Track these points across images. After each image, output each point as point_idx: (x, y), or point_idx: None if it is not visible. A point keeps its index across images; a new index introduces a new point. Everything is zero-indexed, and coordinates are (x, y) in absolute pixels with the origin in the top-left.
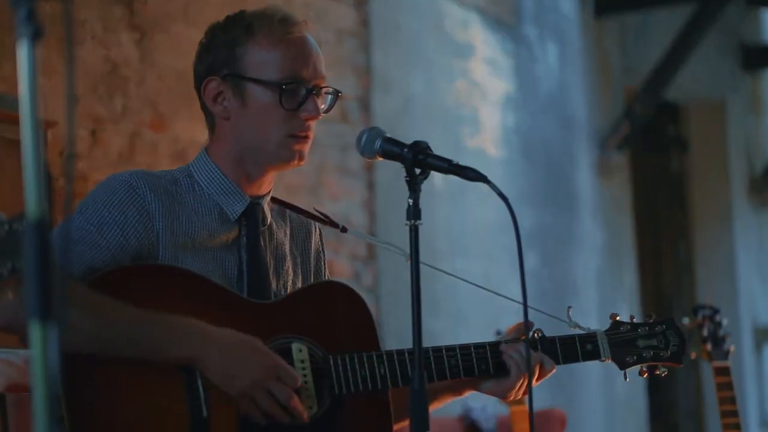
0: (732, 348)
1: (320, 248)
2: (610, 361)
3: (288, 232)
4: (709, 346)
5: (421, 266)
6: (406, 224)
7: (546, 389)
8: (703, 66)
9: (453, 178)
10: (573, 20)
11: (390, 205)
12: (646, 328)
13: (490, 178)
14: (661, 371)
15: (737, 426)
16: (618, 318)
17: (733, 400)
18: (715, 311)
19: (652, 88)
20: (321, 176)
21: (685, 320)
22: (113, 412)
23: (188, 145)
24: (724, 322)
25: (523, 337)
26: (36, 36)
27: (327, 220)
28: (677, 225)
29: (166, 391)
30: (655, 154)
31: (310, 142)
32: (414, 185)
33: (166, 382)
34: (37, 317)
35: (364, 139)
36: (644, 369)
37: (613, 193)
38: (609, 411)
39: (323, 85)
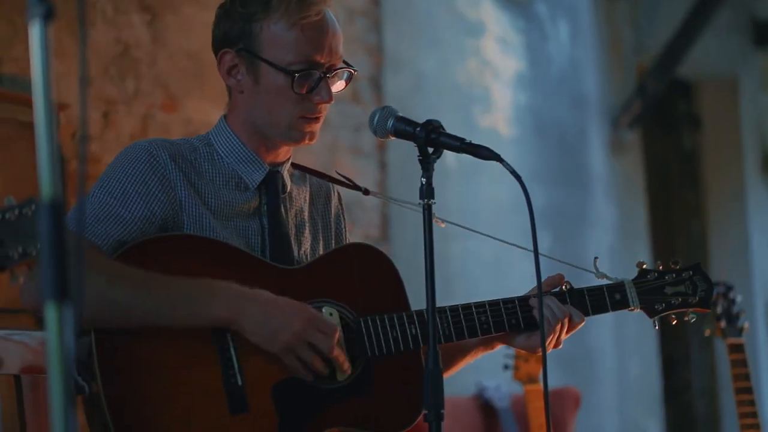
0: (746, 325)
1: (340, 212)
2: (638, 310)
3: (308, 197)
4: (723, 324)
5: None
6: (419, 203)
7: (560, 368)
8: (715, 43)
9: (465, 158)
10: None
11: (402, 185)
12: (673, 275)
13: (502, 157)
14: (690, 317)
15: (752, 403)
16: (645, 266)
17: (747, 377)
18: (729, 288)
19: (664, 65)
20: (333, 156)
21: None
22: (148, 385)
23: (200, 127)
24: (738, 299)
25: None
26: (48, 16)
27: (350, 183)
28: (690, 203)
29: (200, 361)
30: (667, 131)
31: (321, 121)
32: (427, 164)
33: (199, 352)
34: (52, 298)
35: (376, 118)
36: (673, 316)
37: (626, 172)
38: (623, 390)
39: (338, 67)
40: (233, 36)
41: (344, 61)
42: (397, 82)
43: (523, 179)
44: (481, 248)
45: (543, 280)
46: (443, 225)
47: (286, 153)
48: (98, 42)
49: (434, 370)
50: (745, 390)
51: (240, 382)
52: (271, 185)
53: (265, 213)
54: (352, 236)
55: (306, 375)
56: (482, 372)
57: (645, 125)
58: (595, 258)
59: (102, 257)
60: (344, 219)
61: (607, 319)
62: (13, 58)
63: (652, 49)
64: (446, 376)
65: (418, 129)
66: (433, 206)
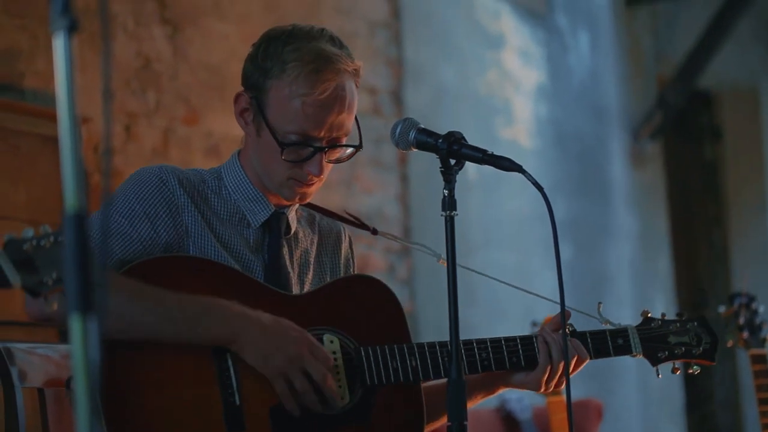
0: None
1: (350, 255)
2: (641, 356)
3: (315, 241)
4: (745, 334)
5: (457, 257)
6: (442, 215)
7: (582, 380)
8: (736, 53)
9: (486, 170)
10: (604, 8)
11: (424, 198)
12: (677, 324)
13: (524, 168)
14: (694, 369)
15: None
16: (650, 314)
17: None
18: (752, 299)
19: (684, 76)
20: (355, 170)
21: (721, 308)
22: (145, 401)
23: (221, 140)
24: (761, 309)
25: (560, 328)
26: (72, 28)
27: (358, 223)
28: (711, 213)
29: (199, 379)
30: (688, 142)
31: (317, 186)
32: (449, 176)
33: (198, 370)
34: (77, 310)
35: (398, 130)
36: (676, 366)
37: (647, 183)
38: (645, 401)
39: (339, 143)
40: (251, 82)
41: (358, 127)
42: (418, 94)
43: (545, 190)
44: (503, 259)
45: (551, 319)
46: (440, 262)
47: None
48: (119, 55)
49: (457, 381)
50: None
51: (238, 402)
52: (274, 225)
53: (266, 251)
54: (374, 249)
55: (293, 406)
56: None
57: (666, 136)
58: (599, 303)
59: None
60: (354, 263)
61: None
62: (35, 72)
63: (673, 60)
64: (442, 423)
65: (440, 141)
66: (455, 218)
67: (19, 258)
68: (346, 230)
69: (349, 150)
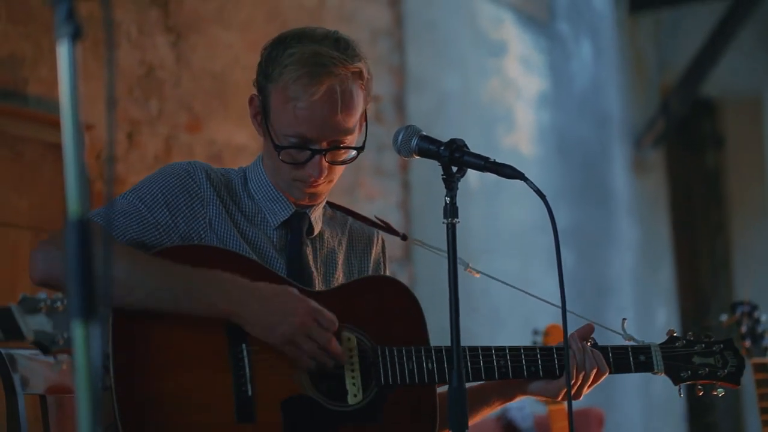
0: None
1: (381, 259)
2: (663, 374)
3: (345, 242)
4: (747, 343)
5: (457, 266)
6: (444, 222)
7: None
8: (738, 61)
9: (488, 178)
10: (607, 16)
11: (425, 206)
12: (703, 345)
13: (526, 175)
14: (719, 391)
15: None
16: (675, 333)
17: None
18: (754, 308)
19: (687, 84)
20: (357, 177)
21: (723, 317)
22: (156, 384)
23: (224, 147)
24: (763, 318)
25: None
26: (76, 36)
27: (387, 228)
28: (714, 221)
29: (214, 366)
30: (690, 150)
31: (325, 186)
32: (451, 183)
33: (214, 357)
34: (79, 317)
35: (400, 137)
36: (700, 387)
37: (649, 191)
38: (646, 410)
39: (340, 145)
40: (258, 86)
41: (365, 127)
42: (420, 101)
43: (547, 198)
44: (505, 266)
45: (573, 331)
46: (477, 275)
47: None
48: (123, 63)
49: (458, 389)
50: None
51: (250, 392)
52: (296, 225)
53: (287, 250)
54: None
55: (308, 363)
56: None
57: (668, 144)
58: (623, 319)
59: (109, 237)
60: (385, 267)
61: None
62: (38, 79)
63: (676, 68)
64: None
65: (442, 148)
66: (457, 226)
67: (32, 314)
68: (380, 234)
69: (353, 152)
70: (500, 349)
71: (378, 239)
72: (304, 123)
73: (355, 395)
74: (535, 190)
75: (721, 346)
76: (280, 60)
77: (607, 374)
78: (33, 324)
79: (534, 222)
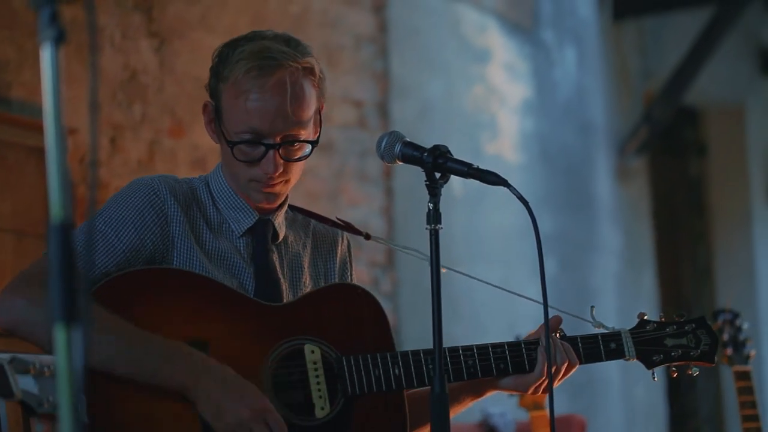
0: (752, 352)
1: (347, 259)
2: (635, 360)
3: (309, 244)
4: (729, 351)
5: (440, 271)
6: (427, 228)
7: (566, 395)
8: (721, 70)
9: (471, 184)
10: (591, 24)
11: (408, 212)
12: (674, 326)
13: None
14: (693, 371)
15: (758, 431)
16: (645, 317)
17: (754, 405)
18: (735, 315)
19: (670, 92)
20: (340, 183)
21: None
22: (126, 411)
23: (207, 152)
24: (745, 326)
25: (553, 334)
26: (59, 39)
27: (349, 228)
28: (696, 229)
29: (181, 420)
30: (673, 158)
31: (282, 186)
32: (434, 189)
33: (180, 410)
34: (61, 320)
35: (384, 143)
36: (674, 369)
37: (632, 198)
38: (629, 417)
39: (296, 138)
40: (211, 90)
41: (319, 123)
42: (404, 108)
43: (530, 205)
44: (488, 273)
45: (541, 325)
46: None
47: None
48: (106, 68)
49: (440, 395)
50: (751, 418)
51: None
52: (259, 232)
53: (255, 259)
54: (359, 262)
55: None
56: (487, 399)
57: (651, 152)
58: (592, 307)
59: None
60: (351, 267)
61: None
62: (21, 83)
63: (659, 76)
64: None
65: (426, 154)
66: (440, 232)
67: (21, 374)
68: (345, 235)
69: (307, 148)
70: (467, 349)
71: (343, 240)
72: (256, 116)
73: (323, 408)
74: (518, 197)
75: (693, 325)
76: (230, 58)
77: (577, 366)
78: (21, 383)
79: (517, 229)
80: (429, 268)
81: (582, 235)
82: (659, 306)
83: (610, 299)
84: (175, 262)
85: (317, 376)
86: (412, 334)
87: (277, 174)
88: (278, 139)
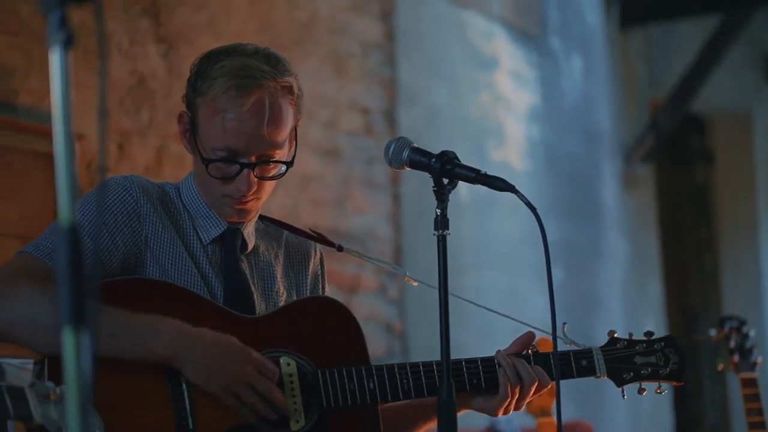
0: (759, 359)
1: (319, 272)
2: (605, 377)
3: (282, 255)
4: (736, 358)
5: (447, 277)
6: (434, 234)
7: (572, 402)
8: (728, 78)
9: (478, 191)
10: (598, 32)
11: (415, 218)
12: (644, 344)
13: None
14: (662, 389)
15: None
16: (616, 334)
17: (760, 412)
18: (742, 322)
19: (677, 100)
20: (346, 189)
21: (712, 332)
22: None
23: None
24: (751, 333)
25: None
26: (68, 43)
27: (321, 239)
28: (703, 237)
29: (152, 401)
30: (680, 166)
31: (254, 203)
32: (442, 195)
33: (151, 392)
34: (70, 323)
35: (391, 149)
36: (643, 387)
37: (638, 206)
38: (634, 424)
39: (269, 159)
40: (187, 101)
41: (295, 143)
42: (411, 115)
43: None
44: (494, 280)
45: (513, 340)
46: (406, 279)
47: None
48: (114, 73)
49: (448, 402)
50: (758, 425)
51: (191, 426)
52: (228, 242)
53: (223, 268)
54: (365, 269)
55: (247, 416)
56: None
57: (658, 160)
58: (564, 324)
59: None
60: (323, 280)
61: None
62: (28, 90)
63: (666, 84)
64: None
65: (434, 160)
66: (447, 238)
67: (42, 399)
68: (318, 247)
69: (282, 167)
70: (440, 364)
71: (316, 252)
72: (232, 135)
73: (298, 421)
74: (525, 203)
75: (662, 344)
76: (209, 73)
77: (549, 386)
78: (42, 409)
79: (524, 236)
80: (436, 274)
81: (588, 243)
82: (666, 313)
83: (616, 307)
84: (149, 264)
85: (293, 389)
86: (419, 341)
87: (250, 192)
88: (254, 158)
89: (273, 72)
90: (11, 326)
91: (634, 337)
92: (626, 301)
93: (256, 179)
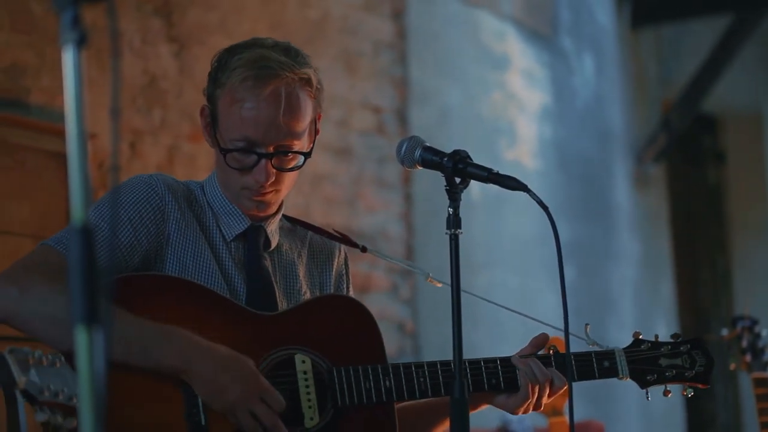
0: None
1: (343, 271)
2: (628, 379)
3: (305, 254)
4: (748, 357)
5: (460, 277)
6: (447, 233)
7: (584, 401)
8: (740, 77)
9: (490, 191)
10: (609, 32)
11: (427, 217)
12: (669, 347)
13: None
14: (688, 392)
15: None
16: (641, 336)
17: None
18: (754, 322)
19: (688, 99)
20: (358, 188)
21: (724, 332)
22: (111, 417)
23: None
24: (764, 332)
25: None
26: (81, 42)
27: (345, 240)
28: (714, 237)
29: (165, 396)
30: (692, 166)
31: (274, 195)
32: (454, 194)
33: (165, 388)
34: (82, 322)
35: (404, 148)
36: (668, 389)
37: (650, 206)
38: (646, 424)
39: (287, 149)
40: (208, 95)
41: (314, 135)
42: (422, 114)
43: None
44: (506, 279)
45: (529, 342)
46: (428, 280)
47: (272, 208)
48: (126, 73)
49: (460, 401)
50: None
51: (203, 422)
52: (251, 239)
53: (246, 265)
54: (377, 268)
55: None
56: None
57: (669, 160)
58: (586, 324)
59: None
60: (347, 279)
61: None
62: (40, 89)
63: (677, 83)
64: None
65: (446, 159)
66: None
67: (22, 364)
68: (342, 247)
69: (300, 159)
70: (445, 364)
71: (340, 252)
72: (250, 125)
73: (312, 418)
74: (538, 202)
75: (689, 346)
76: (228, 65)
77: (564, 387)
78: (22, 373)
79: (536, 236)
80: (449, 274)
81: (600, 243)
82: (677, 314)
83: (628, 307)
84: (168, 260)
85: (307, 386)
86: (432, 340)
87: (268, 183)
88: (271, 148)
89: (291, 63)
90: (27, 320)
91: (660, 339)
92: (638, 301)
93: (273, 170)
